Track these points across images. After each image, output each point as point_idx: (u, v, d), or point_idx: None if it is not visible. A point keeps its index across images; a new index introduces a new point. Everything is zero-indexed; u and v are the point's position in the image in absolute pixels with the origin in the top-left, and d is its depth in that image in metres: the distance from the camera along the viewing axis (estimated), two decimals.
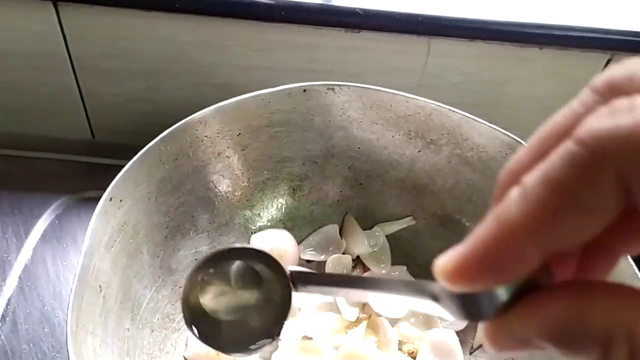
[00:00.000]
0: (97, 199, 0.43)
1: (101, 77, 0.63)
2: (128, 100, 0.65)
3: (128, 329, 0.45)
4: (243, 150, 0.53)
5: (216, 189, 0.53)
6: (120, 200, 0.45)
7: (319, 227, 0.58)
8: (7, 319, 0.53)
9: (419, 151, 0.55)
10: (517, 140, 0.51)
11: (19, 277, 0.56)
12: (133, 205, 0.47)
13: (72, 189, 0.62)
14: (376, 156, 0.56)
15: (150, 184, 0.48)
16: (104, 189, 0.44)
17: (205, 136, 0.51)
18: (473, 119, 0.52)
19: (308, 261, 0.57)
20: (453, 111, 0.52)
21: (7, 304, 0.54)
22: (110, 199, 0.44)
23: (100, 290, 0.42)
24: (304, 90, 0.52)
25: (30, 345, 0.52)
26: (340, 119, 0.54)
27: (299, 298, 0.53)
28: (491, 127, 0.51)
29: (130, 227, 0.46)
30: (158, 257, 0.49)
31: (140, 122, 0.66)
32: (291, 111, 0.53)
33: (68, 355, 0.36)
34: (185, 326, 0.50)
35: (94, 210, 0.43)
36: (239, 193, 0.55)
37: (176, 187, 0.50)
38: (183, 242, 0.52)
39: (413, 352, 0.52)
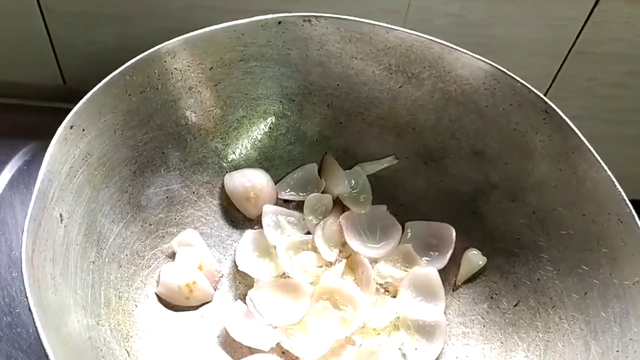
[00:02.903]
0: None
1: (71, 22, 0.61)
2: (99, 46, 0.63)
3: (93, 262, 0.43)
4: (216, 85, 0.51)
5: (188, 126, 0.51)
6: (83, 130, 0.43)
7: (297, 167, 0.56)
8: None
9: (400, 87, 0.53)
10: (502, 70, 0.49)
11: None
12: (97, 136, 0.45)
13: (41, 135, 0.59)
14: (356, 93, 0.54)
15: (116, 116, 0.46)
16: None
17: (175, 68, 0.49)
18: (455, 49, 0.49)
19: (286, 201, 0.55)
20: (435, 41, 0.50)
21: None
22: (71, 127, 0.42)
23: (61, 220, 0.40)
24: (279, 22, 0.50)
25: None
26: (317, 54, 0.52)
27: (275, 238, 0.51)
28: (474, 57, 0.49)
29: (95, 159, 0.45)
30: (126, 192, 0.47)
31: (112, 68, 0.64)
32: (266, 45, 0.51)
33: (22, 276, 0.34)
34: (155, 264, 0.48)
35: None
36: (213, 131, 0.53)
37: (144, 121, 0.48)
38: (153, 179, 0.50)
39: (391, 291, 0.50)
